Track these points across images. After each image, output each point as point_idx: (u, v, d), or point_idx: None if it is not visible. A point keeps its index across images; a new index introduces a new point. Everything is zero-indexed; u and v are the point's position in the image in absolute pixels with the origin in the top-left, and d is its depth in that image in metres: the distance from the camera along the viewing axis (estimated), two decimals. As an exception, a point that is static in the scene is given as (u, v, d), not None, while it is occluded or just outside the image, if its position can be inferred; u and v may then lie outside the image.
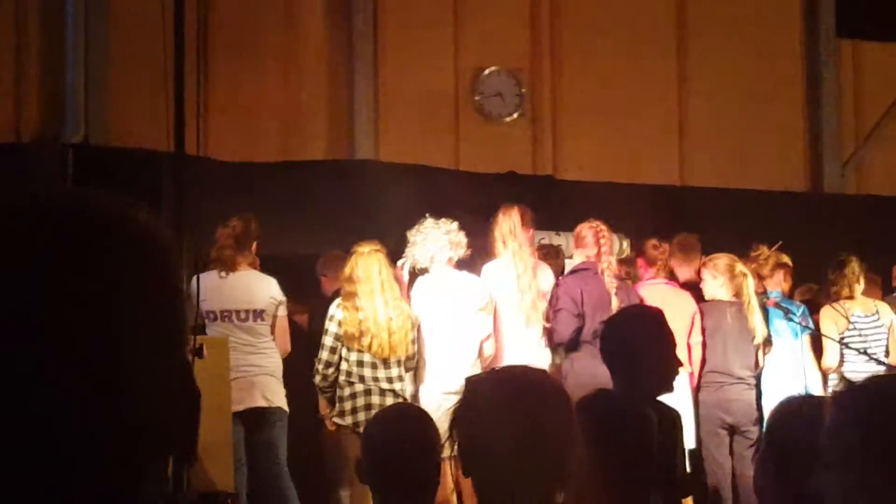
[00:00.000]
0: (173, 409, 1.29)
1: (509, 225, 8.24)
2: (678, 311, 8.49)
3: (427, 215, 8.20)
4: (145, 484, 1.27)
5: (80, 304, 1.22)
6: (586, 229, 8.54)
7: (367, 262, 7.81)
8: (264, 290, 8.01)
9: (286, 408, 8.00)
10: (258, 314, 7.93)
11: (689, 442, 8.44)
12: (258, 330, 7.92)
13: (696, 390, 8.70)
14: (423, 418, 4.25)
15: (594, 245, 8.45)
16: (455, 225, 8.10)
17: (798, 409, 3.61)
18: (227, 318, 7.88)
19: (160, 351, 1.27)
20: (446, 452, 4.04)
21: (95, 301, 1.22)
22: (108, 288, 1.24)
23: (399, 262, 8.11)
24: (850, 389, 2.28)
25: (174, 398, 1.29)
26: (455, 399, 3.08)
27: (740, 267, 8.80)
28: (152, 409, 1.25)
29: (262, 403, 7.86)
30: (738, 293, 8.75)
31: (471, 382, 2.94)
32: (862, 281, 9.06)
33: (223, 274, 7.91)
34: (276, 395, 7.92)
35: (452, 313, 7.92)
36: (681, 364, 5.00)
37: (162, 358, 1.27)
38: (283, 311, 8.12)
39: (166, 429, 1.28)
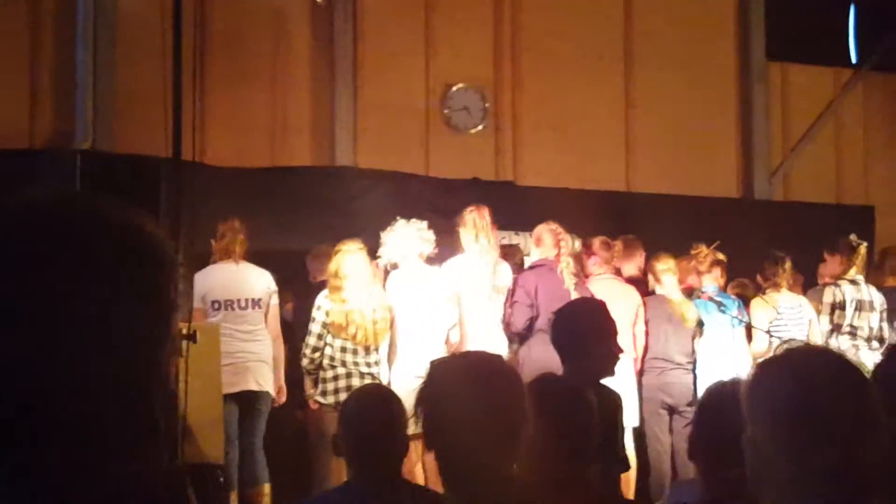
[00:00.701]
0: (154, 399, 1.25)
1: (483, 223, 8.20)
2: (624, 303, 8.52)
3: (398, 217, 8.19)
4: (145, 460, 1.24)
5: (71, 299, 1.18)
6: (546, 231, 8.49)
7: (352, 260, 7.82)
8: (262, 281, 8.12)
9: (273, 392, 8.05)
10: (256, 303, 8.01)
11: (634, 420, 8.47)
12: (255, 318, 8.00)
13: (640, 374, 8.72)
14: (392, 397, 4.27)
15: (554, 246, 8.40)
16: (424, 224, 8.09)
17: (725, 390, 3.68)
18: (230, 306, 7.94)
19: (146, 349, 1.24)
20: (413, 429, 4.03)
21: (87, 297, 1.19)
22: (104, 287, 1.21)
23: (375, 261, 8.11)
24: (771, 357, 2.32)
25: (155, 390, 1.25)
26: (424, 381, 3.07)
27: (678, 266, 8.85)
28: (133, 400, 1.22)
29: (254, 387, 7.93)
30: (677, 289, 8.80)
31: (434, 366, 2.92)
32: (790, 278, 9.15)
33: (228, 262, 7.98)
34: (266, 381, 7.99)
35: (422, 304, 7.90)
36: (621, 351, 4.99)
37: (146, 355, 1.24)
38: (275, 300, 8.18)
39: (148, 416, 1.24)
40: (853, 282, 8.98)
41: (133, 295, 1.23)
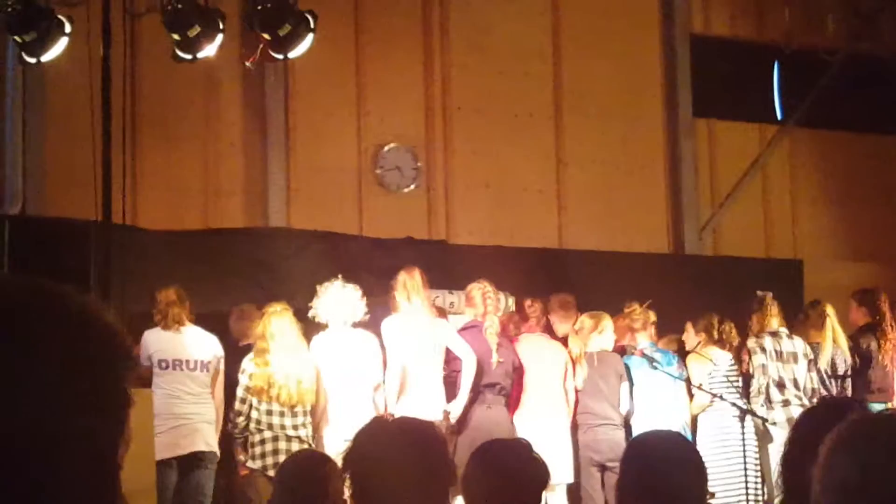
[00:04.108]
0: (95, 477, 1.23)
1: (414, 284, 8.27)
2: (553, 359, 8.66)
3: (339, 276, 8.24)
4: None
5: (26, 389, 1.17)
6: (475, 290, 8.65)
7: (278, 322, 7.85)
8: (210, 345, 8.15)
9: (219, 453, 8.04)
10: (204, 365, 8.02)
11: (568, 476, 8.54)
12: (202, 380, 8.01)
13: (574, 429, 8.78)
14: (326, 461, 4.30)
15: (482, 304, 8.55)
16: (360, 292, 8.14)
17: (648, 441, 3.76)
18: (178, 366, 7.94)
19: (101, 448, 1.23)
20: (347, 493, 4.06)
21: (43, 389, 1.18)
22: (59, 379, 1.19)
23: (312, 317, 8.14)
24: (840, 431, 2.23)
25: (110, 485, 1.24)
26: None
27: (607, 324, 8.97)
28: (72, 480, 1.20)
29: (203, 448, 7.92)
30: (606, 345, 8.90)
31: (361, 430, 2.97)
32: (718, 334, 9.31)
33: (175, 328, 7.97)
34: (213, 441, 8.00)
35: (349, 367, 7.95)
36: None
37: (100, 453, 1.23)
38: (222, 366, 8.16)
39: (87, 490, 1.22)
40: (773, 334, 9.14)
41: (91, 387, 1.23)
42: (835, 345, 9.39)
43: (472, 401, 8.24)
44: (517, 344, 8.74)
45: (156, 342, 7.94)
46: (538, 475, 3.66)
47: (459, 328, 8.71)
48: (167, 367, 7.91)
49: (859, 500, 2.03)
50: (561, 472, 8.37)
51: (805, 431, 3.02)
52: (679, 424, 8.84)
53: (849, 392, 9.30)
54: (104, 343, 1.26)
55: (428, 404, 7.82)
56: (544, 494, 7.95)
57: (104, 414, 1.25)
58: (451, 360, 8.37)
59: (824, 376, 9.28)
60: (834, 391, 9.20)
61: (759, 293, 9.33)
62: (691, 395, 9.14)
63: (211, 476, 8.01)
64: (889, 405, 9.13)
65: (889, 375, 9.36)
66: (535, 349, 8.68)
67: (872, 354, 9.37)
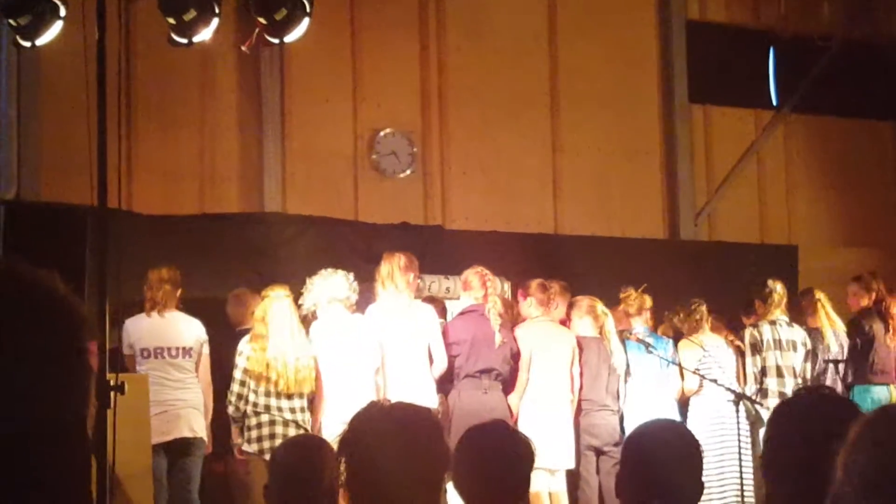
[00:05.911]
0: (66, 458, 1.24)
1: (388, 269, 8.26)
2: (561, 344, 8.65)
3: (326, 268, 8.24)
4: None
5: None
6: (472, 275, 8.62)
7: (279, 307, 7.83)
8: (192, 330, 8.09)
9: (206, 438, 8.01)
10: (186, 351, 7.97)
11: (569, 462, 8.54)
12: (185, 366, 7.96)
13: (578, 415, 8.78)
14: (321, 445, 4.28)
15: (481, 288, 8.53)
16: (352, 275, 8.15)
17: (649, 430, 3.76)
18: (160, 354, 7.91)
19: (52, 409, 1.23)
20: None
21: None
22: (18, 351, 1.20)
23: (300, 308, 8.12)
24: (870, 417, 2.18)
25: (67, 448, 1.24)
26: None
27: (601, 308, 8.96)
28: (41, 458, 1.20)
29: (187, 434, 7.89)
30: (600, 330, 8.89)
31: (357, 414, 2.96)
32: (709, 320, 9.30)
33: (158, 314, 7.94)
34: (199, 427, 7.96)
35: (347, 352, 7.93)
36: None
37: (53, 415, 1.23)
38: (206, 350, 8.13)
39: (56, 476, 1.23)
40: (772, 322, 9.13)
41: (47, 358, 1.23)
42: (832, 331, 9.45)
43: (468, 386, 8.25)
44: (523, 328, 8.71)
45: (136, 331, 7.92)
46: (522, 454, 3.65)
47: (459, 312, 8.70)
48: (149, 356, 7.89)
49: (884, 488, 2.01)
50: (563, 458, 8.42)
51: (783, 421, 2.99)
52: (670, 408, 8.87)
53: (848, 376, 9.35)
54: (61, 315, 1.26)
55: (410, 388, 7.77)
56: (546, 478, 7.96)
57: (66, 386, 1.25)
58: (449, 345, 8.36)
59: (823, 363, 9.31)
60: (839, 376, 9.25)
61: (771, 282, 9.27)
62: (682, 379, 9.16)
63: (198, 462, 7.99)
64: (891, 386, 9.18)
65: (892, 357, 9.39)
66: (543, 334, 8.67)
67: (875, 336, 9.39)
